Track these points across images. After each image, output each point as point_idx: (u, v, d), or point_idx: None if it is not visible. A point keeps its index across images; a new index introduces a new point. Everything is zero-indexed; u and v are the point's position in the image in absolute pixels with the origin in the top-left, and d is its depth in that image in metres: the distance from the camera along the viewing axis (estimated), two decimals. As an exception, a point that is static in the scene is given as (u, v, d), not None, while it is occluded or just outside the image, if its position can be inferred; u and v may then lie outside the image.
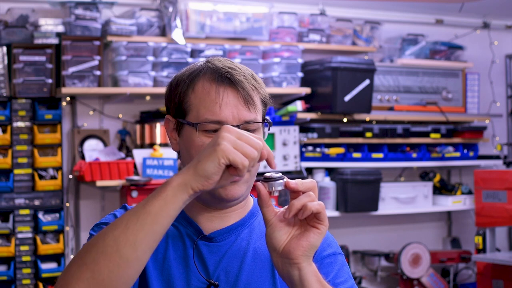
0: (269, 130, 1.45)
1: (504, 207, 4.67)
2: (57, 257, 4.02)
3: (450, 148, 4.93)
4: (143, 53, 4.15)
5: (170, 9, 4.21)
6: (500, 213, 4.68)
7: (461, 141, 5.06)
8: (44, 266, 3.98)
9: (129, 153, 4.24)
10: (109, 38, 4.11)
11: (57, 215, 4.05)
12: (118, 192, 4.29)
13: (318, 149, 4.55)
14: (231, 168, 1.21)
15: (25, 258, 3.96)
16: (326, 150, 4.58)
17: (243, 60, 4.36)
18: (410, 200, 4.90)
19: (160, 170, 4.08)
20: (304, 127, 4.59)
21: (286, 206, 1.27)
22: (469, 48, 5.29)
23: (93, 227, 1.44)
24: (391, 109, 4.88)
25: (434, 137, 4.95)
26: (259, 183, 1.28)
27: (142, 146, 4.26)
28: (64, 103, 4.22)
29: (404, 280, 4.81)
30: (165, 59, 4.19)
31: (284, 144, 4.42)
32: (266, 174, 1.29)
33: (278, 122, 4.45)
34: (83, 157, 4.16)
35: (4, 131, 4.00)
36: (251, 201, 1.51)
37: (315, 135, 4.53)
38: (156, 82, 4.22)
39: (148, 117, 4.29)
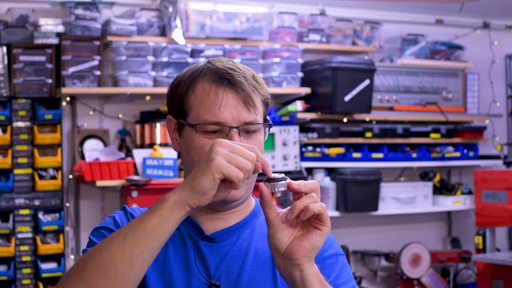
0: (269, 130, 1.45)
1: (504, 207, 4.66)
2: (57, 257, 4.02)
3: (450, 148, 4.93)
4: (143, 53, 4.15)
5: (170, 9, 4.20)
6: (500, 213, 4.68)
7: (461, 141, 5.06)
8: (44, 266, 3.98)
9: (129, 153, 4.24)
10: (109, 38, 4.10)
11: (57, 215, 4.05)
12: (118, 192, 4.28)
13: (318, 149, 4.55)
14: (226, 182, 1.22)
15: (25, 258, 3.96)
16: (326, 150, 4.57)
17: (243, 60, 4.35)
18: (410, 200, 4.90)
19: (160, 170, 4.08)
20: (304, 127, 4.59)
21: (289, 207, 1.27)
22: (469, 48, 5.29)
23: (92, 231, 1.44)
24: (391, 109, 4.87)
25: (434, 137, 4.95)
26: (261, 184, 1.28)
27: (142, 146, 4.26)
28: (64, 103, 4.22)
29: (404, 280, 4.81)
30: (165, 59, 4.18)
31: (284, 144, 4.42)
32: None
33: (278, 122, 4.45)
34: (83, 157, 4.16)
35: (4, 131, 3.99)
36: (253, 201, 1.50)
37: (315, 135, 4.53)
38: (156, 82, 4.22)
39: (148, 117, 4.29)
